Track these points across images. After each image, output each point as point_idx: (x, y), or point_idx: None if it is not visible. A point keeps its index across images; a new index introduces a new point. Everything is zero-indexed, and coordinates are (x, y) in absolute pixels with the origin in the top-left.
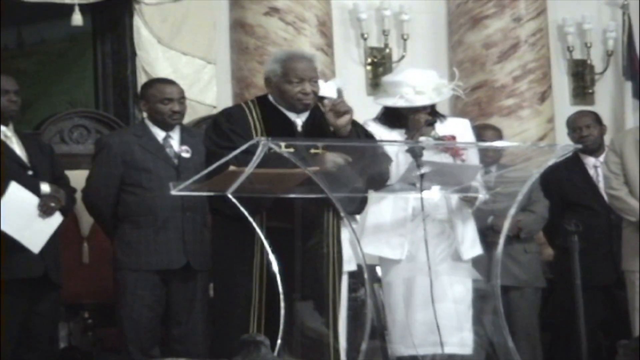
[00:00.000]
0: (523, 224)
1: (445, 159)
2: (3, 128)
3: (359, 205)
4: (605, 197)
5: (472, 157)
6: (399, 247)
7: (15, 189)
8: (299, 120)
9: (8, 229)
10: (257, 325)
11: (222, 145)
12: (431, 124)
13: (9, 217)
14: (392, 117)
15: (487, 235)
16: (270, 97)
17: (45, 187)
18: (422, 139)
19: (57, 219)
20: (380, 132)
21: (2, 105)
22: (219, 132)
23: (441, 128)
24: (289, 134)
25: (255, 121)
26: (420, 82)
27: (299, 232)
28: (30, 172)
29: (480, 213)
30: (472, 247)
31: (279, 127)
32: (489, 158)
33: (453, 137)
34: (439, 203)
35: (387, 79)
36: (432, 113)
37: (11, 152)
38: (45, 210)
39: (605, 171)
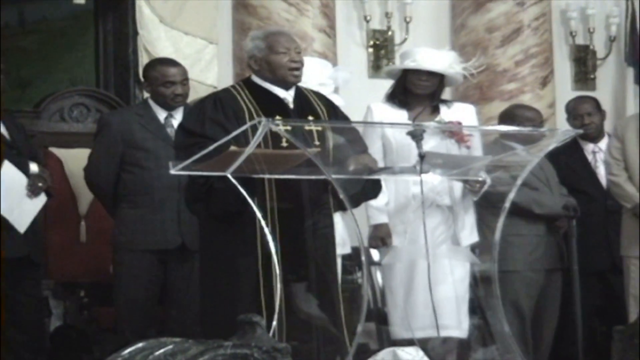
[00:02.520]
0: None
1: (451, 145)
2: None
3: (372, 191)
4: (604, 183)
5: (477, 144)
6: (401, 233)
7: (7, 168)
8: (289, 97)
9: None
10: (266, 306)
11: (196, 132)
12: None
13: (2, 196)
14: (399, 93)
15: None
16: (255, 78)
17: (33, 167)
18: (426, 124)
19: (42, 199)
20: (385, 113)
21: None
22: (199, 118)
23: (447, 113)
24: (282, 111)
25: (247, 102)
26: (435, 52)
27: (299, 213)
28: (14, 151)
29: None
30: (470, 233)
31: (271, 105)
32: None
33: (459, 123)
34: (441, 189)
35: (402, 52)
36: (437, 97)
37: None
38: (33, 190)
39: (607, 156)
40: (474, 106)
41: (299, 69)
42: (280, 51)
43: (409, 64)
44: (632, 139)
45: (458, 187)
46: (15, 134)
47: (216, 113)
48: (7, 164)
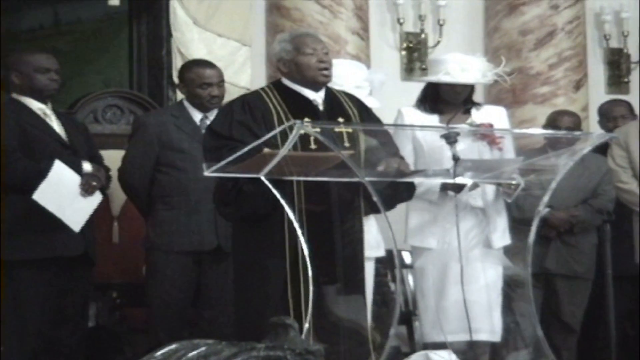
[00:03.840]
0: (578, 219)
1: (482, 147)
2: (42, 105)
3: (406, 192)
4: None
5: (509, 146)
6: (437, 235)
7: (59, 167)
8: (319, 98)
9: (51, 207)
10: (294, 309)
11: (224, 135)
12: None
13: (53, 195)
14: (430, 100)
15: (541, 228)
16: (285, 81)
17: (87, 166)
18: (459, 126)
19: (97, 197)
20: (416, 117)
21: (43, 84)
22: (227, 121)
23: (478, 115)
24: (311, 114)
25: (276, 104)
26: (466, 61)
27: (329, 215)
28: (69, 151)
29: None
30: (502, 236)
31: (300, 108)
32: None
33: (490, 125)
34: (474, 191)
35: (433, 57)
36: (468, 100)
37: (51, 130)
38: (87, 189)
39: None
40: (506, 109)
41: (327, 68)
42: (308, 52)
43: (443, 77)
44: (637, 145)
45: (491, 188)
46: (73, 134)
47: (244, 116)
48: (57, 164)
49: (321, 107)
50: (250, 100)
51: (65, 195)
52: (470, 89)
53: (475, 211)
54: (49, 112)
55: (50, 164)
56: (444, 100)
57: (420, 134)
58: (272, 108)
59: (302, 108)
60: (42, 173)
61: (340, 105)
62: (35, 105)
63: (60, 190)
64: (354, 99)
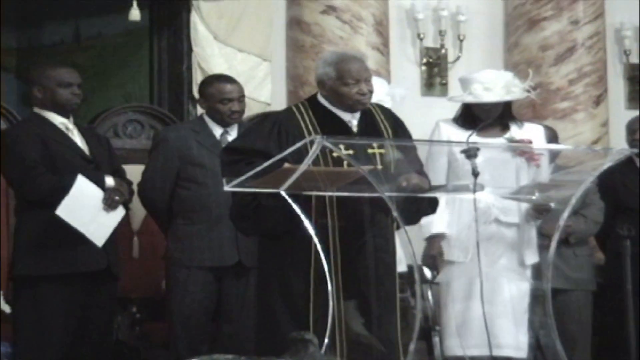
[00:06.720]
0: (572, 229)
1: (521, 162)
2: (64, 120)
3: (429, 207)
4: None
5: (545, 163)
6: (466, 249)
7: (82, 182)
8: (354, 120)
9: (74, 222)
10: (314, 324)
11: (246, 148)
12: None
13: (76, 210)
14: (467, 117)
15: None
16: (321, 99)
17: (110, 181)
18: (494, 140)
19: (120, 212)
20: (452, 131)
21: (64, 98)
22: (253, 136)
23: (518, 132)
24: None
25: (308, 124)
26: (490, 79)
27: (357, 231)
28: (92, 165)
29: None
30: (535, 253)
31: (334, 128)
32: None
33: (530, 141)
34: (510, 207)
35: (461, 77)
36: (505, 115)
37: (74, 144)
38: (110, 204)
39: None
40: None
41: (367, 99)
42: (350, 83)
43: (467, 98)
44: None
45: (526, 205)
46: (95, 148)
47: (267, 142)
48: (80, 179)
49: (355, 129)
50: (282, 122)
51: (88, 210)
52: (501, 106)
53: (503, 225)
54: (71, 126)
55: (73, 179)
56: (479, 117)
57: (455, 148)
58: (305, 129)
59: (337, 130)
60: (65, 188)
61: (374, 126)
62: (58, 119)
63: (83, 205)
64: (387, 114)
